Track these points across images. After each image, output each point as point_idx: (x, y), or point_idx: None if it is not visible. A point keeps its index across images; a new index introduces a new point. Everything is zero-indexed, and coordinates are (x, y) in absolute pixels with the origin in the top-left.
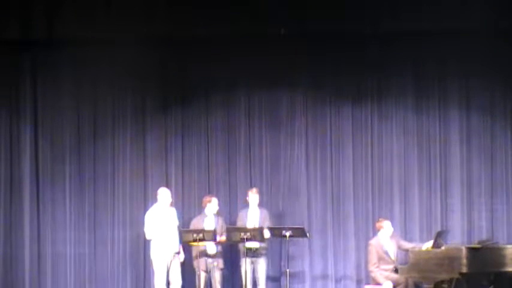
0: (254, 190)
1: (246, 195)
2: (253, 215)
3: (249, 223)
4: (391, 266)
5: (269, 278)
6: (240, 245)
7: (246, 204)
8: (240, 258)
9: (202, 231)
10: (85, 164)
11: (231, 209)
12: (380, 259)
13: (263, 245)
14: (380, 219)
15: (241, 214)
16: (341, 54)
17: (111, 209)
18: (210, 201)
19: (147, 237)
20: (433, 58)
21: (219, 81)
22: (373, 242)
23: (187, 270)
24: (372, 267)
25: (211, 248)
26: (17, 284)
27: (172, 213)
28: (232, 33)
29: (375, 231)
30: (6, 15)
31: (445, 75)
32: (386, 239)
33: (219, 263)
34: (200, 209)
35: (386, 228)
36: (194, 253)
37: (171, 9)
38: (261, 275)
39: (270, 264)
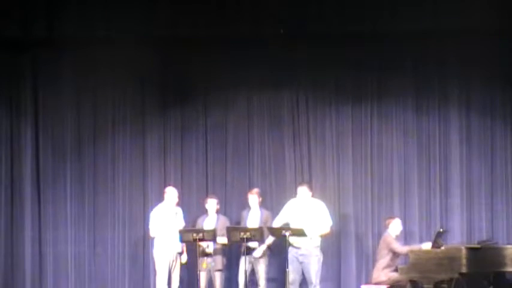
0: (254, 191)
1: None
2: (254, 216)
3: (249, 223)
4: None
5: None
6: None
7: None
8: (240, 258)
9: (202, 230)
10: (85, 164)
11: (230, 209)
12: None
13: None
14: (391, 216)
15: (242, 214)
16: (341, 54)
17: (111, 209)
18: (206, 202)
19: (151, 234)
20: (433, 58)
21: (218, 81)
22: (386, 234)
23: (188, 270)
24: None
25: (208, 247)
26: (18, 284)
27: (178, 213)
28: (233, 33)
29: (375, 231)
30: (6, 14)
31: (445, 75)
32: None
33: (217, 263)
34: (200, 209)
35: (396, 225)
36: (198, 253)
37: (171, 9)
38: (261, 275)
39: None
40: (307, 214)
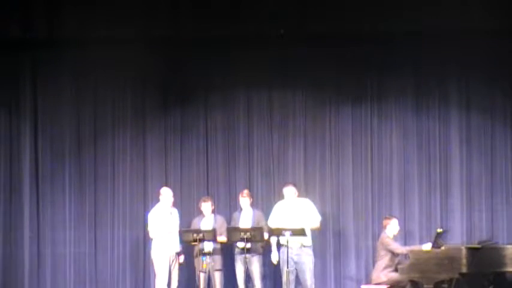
0: (244, 194)
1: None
2: (246, 217)
3: (242, 225)
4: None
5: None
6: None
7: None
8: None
9: (203, 231)
10: (85, 164)
11: (230, 209)
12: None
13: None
14: (389, 216)
15: (234, 215)
16: (341, 54)
17: (111, 209)
18: (201, 206)
19: (151, 236)
20: (433, 58)
21: (218, 81)
22: (383, 235)
23: (188, 270)
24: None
25: (207, 246)
26: (17, 284)
27: (174, 213)
28: (232, 33)
29: (374, 231)
30: (6, 15)
31: (445, 75)
32: (391, 237)
33: (216, 263)
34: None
35: (393, 226)
36: (195, 253)
37: (171, 9)
38: (256, 274)
39: (265, 263)
40: (297, 214)
